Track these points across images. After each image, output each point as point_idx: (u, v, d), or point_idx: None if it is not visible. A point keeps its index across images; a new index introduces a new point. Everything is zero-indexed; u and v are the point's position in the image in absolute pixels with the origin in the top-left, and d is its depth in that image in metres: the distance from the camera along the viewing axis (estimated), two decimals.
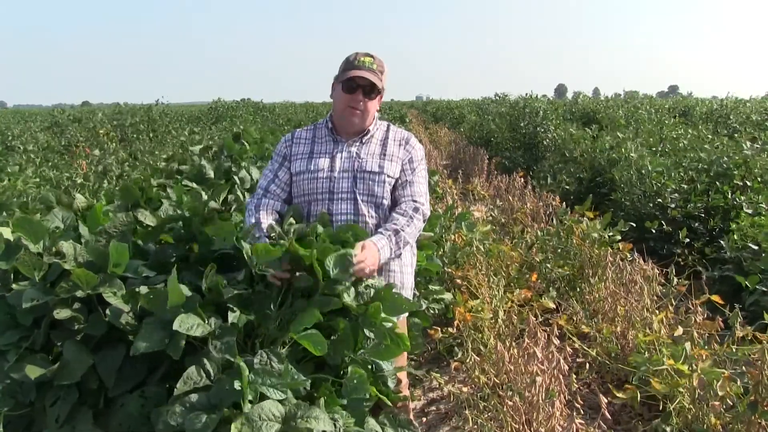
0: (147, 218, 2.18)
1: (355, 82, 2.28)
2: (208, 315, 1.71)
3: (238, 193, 2.99)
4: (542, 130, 11.63)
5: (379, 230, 2.18)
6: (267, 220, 2.21)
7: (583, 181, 8.03)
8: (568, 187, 8.04)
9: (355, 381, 1.73)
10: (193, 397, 1.52)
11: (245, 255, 1.85)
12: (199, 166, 3.32)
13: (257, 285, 1.89)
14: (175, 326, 1.60)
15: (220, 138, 8.15)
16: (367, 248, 2.02)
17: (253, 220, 2.21)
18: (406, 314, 2.49)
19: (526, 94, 16.37)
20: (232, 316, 1.71)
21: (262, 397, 1.53)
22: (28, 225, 1.94)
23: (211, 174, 3.27)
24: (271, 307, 1.82)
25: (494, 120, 15.54)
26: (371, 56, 2.31)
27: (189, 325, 1.62)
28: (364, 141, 2.36)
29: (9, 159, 7.64)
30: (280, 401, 1.53)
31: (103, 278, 1.80)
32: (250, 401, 1.50)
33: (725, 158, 6.18)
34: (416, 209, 2.26)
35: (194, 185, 3.10)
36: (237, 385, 1.50)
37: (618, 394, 2.88)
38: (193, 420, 1.45)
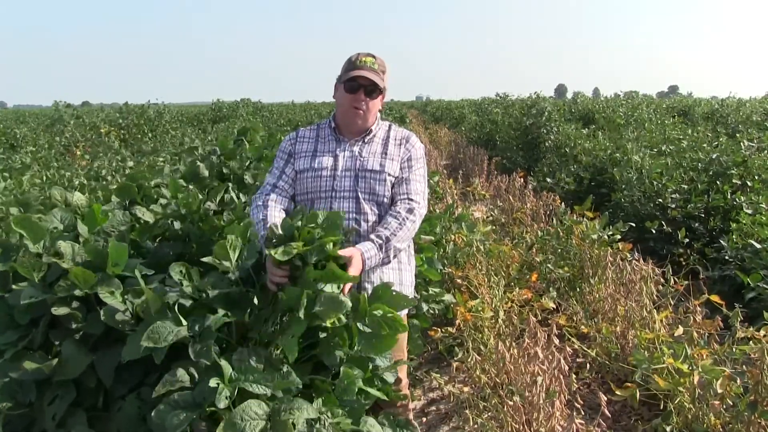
0: (145, 215, 2.18)
1: (357, 82, 2.30)
2: (192, 319, 1.69)
3: (233, 194, 2.97)
4: (545, 130, 11.63)
5: (371, 235, 2.18)
6: (273, 218, 2.18)
7: (584, 181, 8.03)
8: (568, 186, 8.04)
9: (345, 382, 1.72)
10: (177, 395, 1.54)
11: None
12: (194, 166, 3.30)
13: (256, 285, 1.88)
14: (143, 341, 1.59)
15: (218, 138, 8.13)
16: (353, 258, 2.00)
17: (261, 217, 2.20)
18: (406, 314, 2.49)
19: (533, 95, 16.28)
20: (212, 319, 1.68)
21: (244, 393, 1.54)
22: (29, 224, 1.93)
23: (206, 174, 3.26)
24: (263, 306, 1.81)
25: (495, 120, 15.54)
26: (372, 56, 2.34)
27: (158, 335, 1.60)
28: (366, 141, 2.38)
29: (13, 159, 7.64)
30: (266, 400, 1.53)
31: (101, 277, 1.79)
32: (227, 397, 1.50)
33: (724, 157, 6.18)
34: (410, 210, 2.25)
35: (188, 185, 3.09)
36: (213, 383, 1.51)
37: (618, 392, 2.87)
38: (172, 418, 1.48)
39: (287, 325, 1.74)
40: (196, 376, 1.61)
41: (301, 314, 1.69)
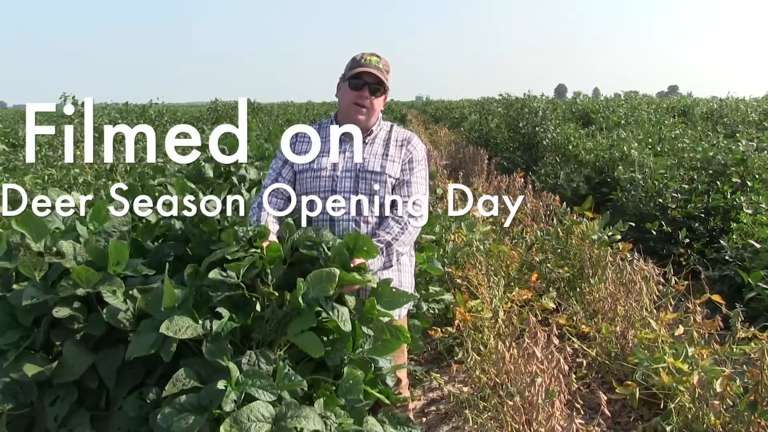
0: (148, 215, 2.18)
1: (361, 79, 2.32)
2: (203, 316, 1.70)
3: (243, 192, 2.98)
4: (541, 130, 11.62)
5: (373, 240, 2.17)
6: (267, 220, 2.20)
7: (583, 180, 8.04)
8: (568, 186, 8.04)
9: (350, 382, 1.73)
10: (183, 398, 1.52)
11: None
12: (198, 165, 3.30)
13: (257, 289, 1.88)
14: (162, 329, 1.59)
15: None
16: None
17: (255, 219, 2.21)
18: (406, 313, 2.49)
19: (524, 95, 16.28)
20: (218, 324, 1.68)
21: (250, 398, 1.53)
22: (32, 222, 1.93)
23: (210, 173, 3.26)
24: (265, 308, 1.80)
25: (494, 120, 15.54)
26: (377, 56, 2.37)
27: (177, 327, 1.61)
28: (367, 141, 2.38)
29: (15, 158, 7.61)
30: (271, 402, 1.52)
31: (103, 277, 1.79)
32: (234, 401, 1.50)
33: (719, 156, 6.20)
34: (413, 213, 2.27)
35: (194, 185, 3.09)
36: (221, 385, 1.50)
37: (618, 390, 2.88)
38: (179, 421, 1.46)
39: (295, 320, 1.74)
40: (204, 376, 1.60)
41: (300, 299, 1.70)
